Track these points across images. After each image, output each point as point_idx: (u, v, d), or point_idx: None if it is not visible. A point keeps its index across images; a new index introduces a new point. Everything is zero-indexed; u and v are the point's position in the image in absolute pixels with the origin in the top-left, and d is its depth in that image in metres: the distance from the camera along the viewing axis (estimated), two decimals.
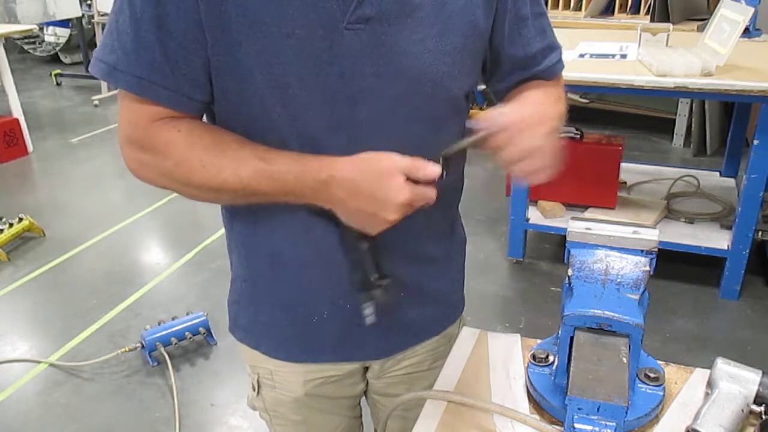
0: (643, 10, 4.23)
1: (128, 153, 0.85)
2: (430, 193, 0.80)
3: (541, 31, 0.95)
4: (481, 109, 4.64)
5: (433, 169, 0.78)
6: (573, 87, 3.21)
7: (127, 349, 2.48)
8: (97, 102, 6.01)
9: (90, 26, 6.71)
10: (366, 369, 1.09)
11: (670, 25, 2.80)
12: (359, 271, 0.87)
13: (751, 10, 2.42)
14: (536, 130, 0.80)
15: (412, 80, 0.83)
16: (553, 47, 0.98)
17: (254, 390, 1.11)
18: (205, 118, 0.90)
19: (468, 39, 0.85)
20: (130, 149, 0.84)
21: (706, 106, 4.22)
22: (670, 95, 3.32)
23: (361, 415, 1.19)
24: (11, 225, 3.38)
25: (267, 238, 0.94)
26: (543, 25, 0.95)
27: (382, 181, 0.78)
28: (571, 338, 0.81)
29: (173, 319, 2.56)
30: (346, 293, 0.94)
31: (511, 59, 0.94)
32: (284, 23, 0.76)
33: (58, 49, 7.67)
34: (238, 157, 0.82)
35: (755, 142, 2.46)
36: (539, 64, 0.95)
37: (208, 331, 2.57)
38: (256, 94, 0.81)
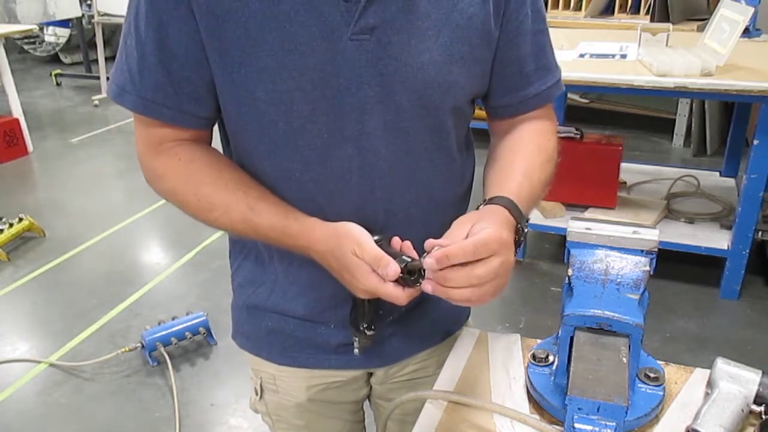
0: (643, 10, 4.23)
1: (142, 167, 0.89)
2: (395, 293, 0.78)
3: (539, 49, 0.91)
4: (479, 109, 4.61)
5: (393, 271, 0.77)
6: (573, 87, 3.21)
7: (127, 349, 2.48)
8: (97, 102, 6.02)
9: (90, 26, 6.70)
10: (370, 374, 1.08)
11: (670, 25, 2.80)
12: (355, 313, 0.91)
13: (751, 10, 2.42)
14: (492, 263, 0.73)
15: (418, 90, 0.82)
16: (550, 68, 0.94)
17: (257, 394, 1.10)
18: (217, 128, 0.92)
19: (476, 48, 0.84)
20: (142, 165, 0.89)
21: (706, 106, 4.22)
22: (670, 95, 3.32)
23: (363, 419, 1.18)
24: (11, 225, 3.38)
25: (282, 254, 0.94)
26: (542, 44, 0.92)
27: (348, 267, 0.81)
28: (571, 338, 0.81)
29: (173, 319, 2.56)
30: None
31: (504, 75, 0.91)
32: (287, 40, 0.76)
33: (58, 49, 7.67)
34: (231, 200, 0.85)
35: (755, 142, 2.46)
36: (532, 84, 0.92)
37: (208, 331, 2.57)
38: (258, 110, 0.81)
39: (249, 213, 0.84)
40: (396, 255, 0.79)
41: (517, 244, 0.82)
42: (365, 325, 0.90)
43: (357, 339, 0.93)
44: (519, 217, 0.83)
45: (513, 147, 0.94)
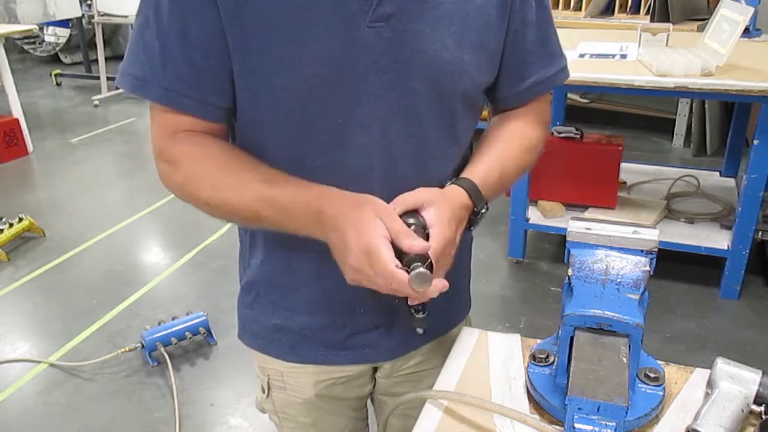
0: (643, 10, 4.23)
1: (156, 163, 0.88)
2: (380, 281, 0.78)
3: (543, 39, 0.93)
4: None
5: (422, 245, 0.78)
6: (573, 87, 3.21)
7: (127, 349, 2.48)
8: (97, 102, 6.01)
9: (90, 26, 6.71)
10: (375, 369, 1.09)
11: (670, 25, 2.80)
12: (406, 309, 0.89)
13: (751, 10, 2.42)
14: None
15: (430, 77, 0.84)
16: (554, 56, 0.96)
17: (264, 392, 1.10)
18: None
19: (483, 37, 0.86)
20: (157, 159, 0.88)
21: (706, 106, 4.22)
22: (670, 95, 3.32)
23: (366, 417, 1.19)
24: (11, 225, 3.38)
25: (289, 244, 0.94)
26: (547, 33, 0.94)
27: (360, 227, 0.78)
28: (571, 338, 0.81)
29: (173, 319, 2.57)
30: (362, 301, 0.94)
31: (509, 65, 0.93)
32: (306, 28, 0.78)
33: (58, 49, 7.68)
34: (245, 178, 0.84)
35: (755, 142, 2.46)
36: (537, 72, 0.94)
37: (208, 331, 2.57)
38: (275, 97, 0.82)
39: (264, 186, 0.82)
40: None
41: (471, 223, 0.89)
42: (413, 311, 0.90)
43: (416, 326, 0.93)
44: (478, 200, 0.88)
45: (497, 131, 0.97)
